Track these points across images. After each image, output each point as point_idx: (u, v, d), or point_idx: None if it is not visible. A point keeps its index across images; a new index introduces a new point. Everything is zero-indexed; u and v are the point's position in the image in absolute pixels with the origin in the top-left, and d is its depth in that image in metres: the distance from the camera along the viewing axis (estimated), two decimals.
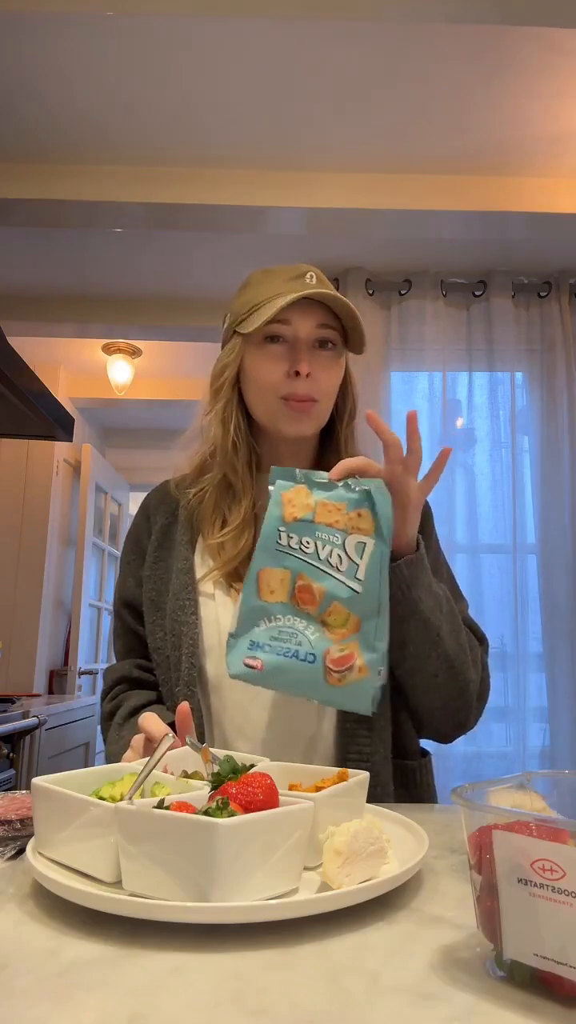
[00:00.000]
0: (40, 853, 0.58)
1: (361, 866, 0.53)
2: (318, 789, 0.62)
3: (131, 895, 0.50)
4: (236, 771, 0.61)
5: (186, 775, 0.67)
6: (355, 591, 0.81)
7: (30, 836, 0.61)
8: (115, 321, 3.21)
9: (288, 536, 0.83)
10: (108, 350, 3.62)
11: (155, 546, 1.06)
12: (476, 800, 0.44)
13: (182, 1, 1.87)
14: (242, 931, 0.47)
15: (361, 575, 0.81)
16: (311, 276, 0.99)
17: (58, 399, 2.84)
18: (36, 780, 0.60)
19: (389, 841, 0.58)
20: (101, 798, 0.58)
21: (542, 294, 2.97)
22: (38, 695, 3.46)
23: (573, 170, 2.48)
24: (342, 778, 0.66)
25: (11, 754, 2.37)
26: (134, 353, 3.64)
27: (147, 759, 0.62)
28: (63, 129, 2.30)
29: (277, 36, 1.92)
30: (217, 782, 0.59)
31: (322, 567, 0.82)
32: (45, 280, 3.06)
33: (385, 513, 0.82)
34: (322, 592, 0.81)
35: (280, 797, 0.56)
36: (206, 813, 0.51)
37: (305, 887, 0.54)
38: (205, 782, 0.63)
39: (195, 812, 0.52)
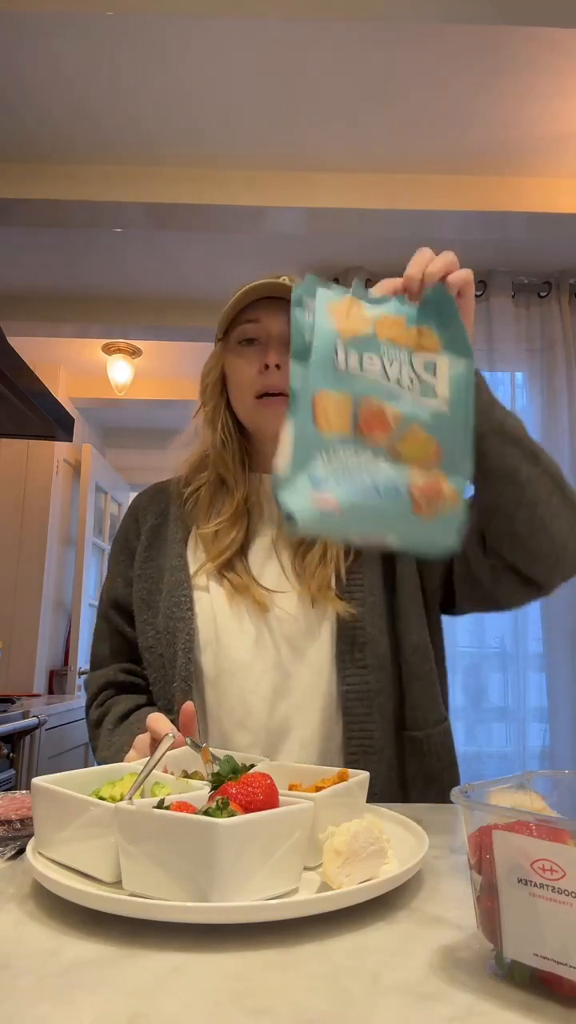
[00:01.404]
0: (40, 853, 0.58)
1: (361, 866, 0.53)
2: (318, 789, 0.62)
3: (131, 895, 0.50)
4: (236, 771, 0.61)
5: (186, 775, 0.67)
6: (438, 411, 0.70)
7: (30, 836, 0.61)
8: (115, 321, 3.21)
9: (347, 353, 0.69)
10: (108, 350, 3.62)
11: (144, 546, 1.06)
12: (476, 800, 0.44)
13: (182, 1, 1.87)
14: (242, 931, 0.47)
15: (443, 392, 0.71)
16: (285, 278, 1.00)
17: (58, 399, 2.84)
18: (36, 780, 0.60)
19: (389, 841, 0.58)
20: (101, 798, 0.58)
21: (542, 294, 2.97)
22: (38, 695, 3.46)
23: (573, 170, 2.48)
24: (342, 778, 0.66)
25: (11, 754, 2.37)
26: (134, 353, 3.64)
27: (147, 759, 0.62)
28: (63, 129, 2.30)
29: (277, 36, 1.92)
30: (217, 782, 0.59)
31: (394, 388, 0.70)
32: (45, 280, 3.06)
33: (457, 322, 0.73)
34: (397, 416, 0.69)
35: (280, 797, 0.56)
36: (206, 813, 0.51)
37: (305, 887, 0.54)
38: (205, 782, 0.63)
39: (195, 812, 0.52)
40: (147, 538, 1.07)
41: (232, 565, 0.98)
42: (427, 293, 0.74)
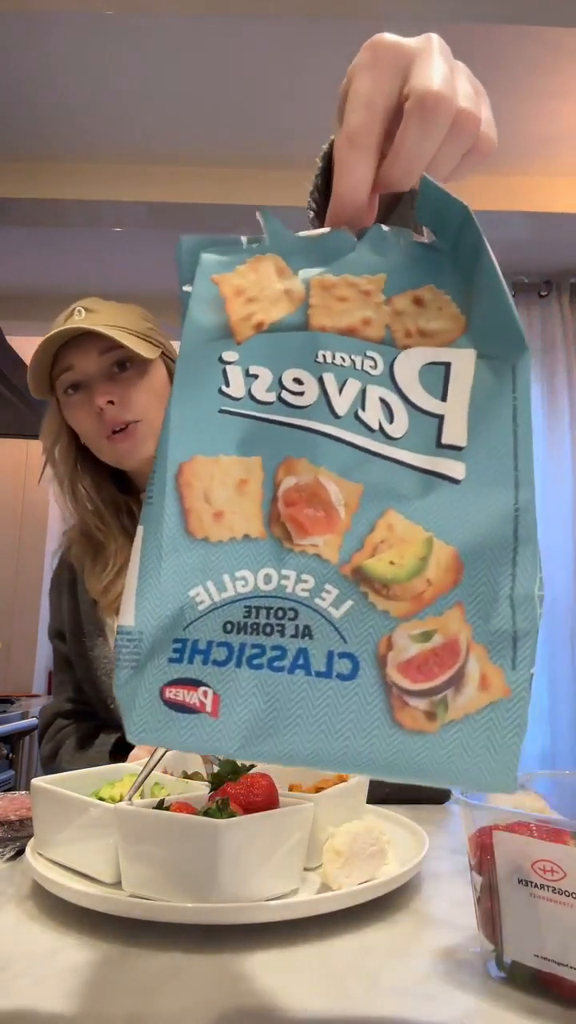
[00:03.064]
0: (40, 854, 0.58)
1: (361, 867, 0.53)
2: (318, 789, 0.62)
3: (131, 895, 0.50)
4: (236, 771, 0.61)
5: (186, 775, 0.67)
6: (445, 478, 0.34)
7: (30, 836, 0.61)
8: None
9: (245, 369, 0.36)
10: None
11: (67, 589, 1.07)
12: (476, 800, 0.44)
13: (182, 0, 1.87)
14: (242, 931, 0.47)
15: (457, 432, 0.34)
16: (79, 311, 0.96)
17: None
18: (36, 780, 0.60)
19: (389, 842, 0.57)
20: (101, 799, 0.58)
21: (542, 294, 2.97)
22: (38, 695, 3.46)
23: (573, 169, 2.48)
24: (342, 779, 0.66)
25: (11, 754, 2.37)
26: None
27: (146, 759, 0.62)
28: (63, 129, 2.29)
29: (277, 35, 1.92)
30: (217, 782, 0.59)
31: (346, 433, 0.35)
32: (45, 280, 3.06)
33: (489, 269, 0.34)
34: (353, 494, 0.34)
35: (280, 798, 0.56)
36: (206, 813, 0.51)
37: (305, 887, 0.54)
38: (205, 782, 0.63)
39: (195, 812, 0.52)
40: (68, 572, 1.07)
41: None
42: (429, 203, 0.36)
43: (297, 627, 0.33)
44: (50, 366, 0.96)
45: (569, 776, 0.53)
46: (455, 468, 0.34)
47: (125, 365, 0.96)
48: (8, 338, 2.31)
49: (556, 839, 0.39)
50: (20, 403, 2.52)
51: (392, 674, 0.32)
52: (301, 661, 0.33)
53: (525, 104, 2.15)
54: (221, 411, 0.36)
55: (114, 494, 1.03)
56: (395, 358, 0.36)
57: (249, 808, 0.53)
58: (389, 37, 0.38)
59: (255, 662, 0.33)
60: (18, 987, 0.41)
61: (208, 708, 0.33)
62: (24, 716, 2.45)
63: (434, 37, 0.38)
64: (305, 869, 0.56)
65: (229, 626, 0.33)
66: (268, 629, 0.33)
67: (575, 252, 2.84)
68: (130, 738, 0.33)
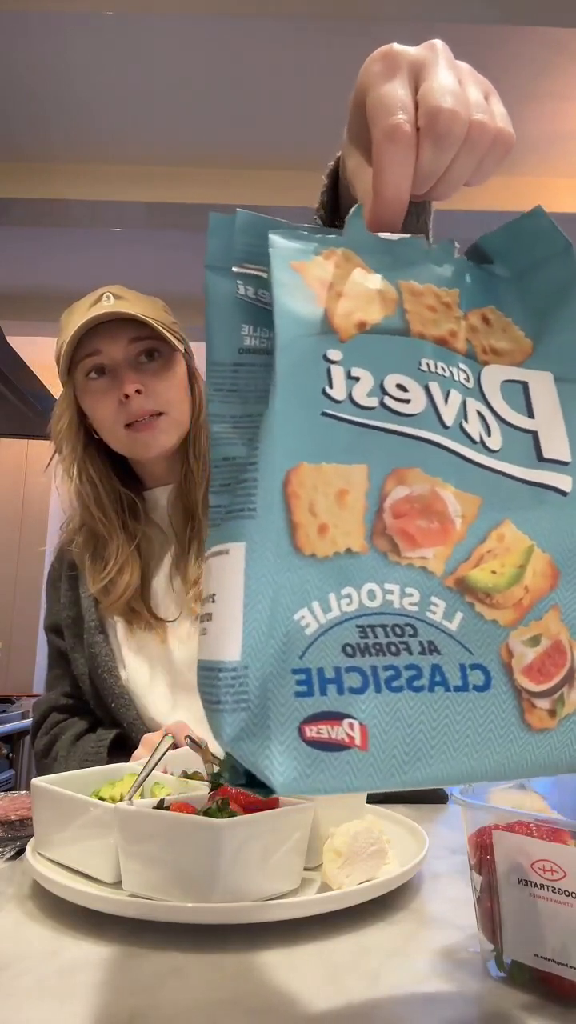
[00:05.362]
0: (40, 853, 0.58)
1: (361, 867, 0.53)
2: None
3: (131, 895, 0.50)
4: None
5: (186, 775, 0.67)
6: (554, 490, 0.35)
7: (30, 836, 0.61)
8: None
9: (344, 371, 0.34)
10: None
11: (67, 584, 1.07)
12: (476, 800, 0.44)
13: (182, 1, 1.87)
14: (242, 931, 0.47)
15: (558, 447, 0.36)
16: (107, 297, 0.95)
17: (57, 398, 2.84)
18: (36, 780, 0.60)
19: (389, 842, 0.57)
20: (101, 798, 0.58)
21: None
22: (38, 695, 3.46)
23: (573, 170, 2.48)
24: None
25: (11, 754, 2.37)
26: None
27: (146, 759, 0.62)
28: (63, 129, 2.30)
29: (278, 36, 1.92)
30: (217, 782, 0.59)
31: (455, 444, 0.35)
32: (45, 280, 3.06)
33: (566, 283, 0.37)
34: (471, 508, 0.34)
35: (280, 797, 0.56)
36: (206, 813, 0.51)
37: (305, 887, 0.54)
38: (205, 782, 0.63)
39: (195, 812, 0.52)
40: (69, 569, 1.07)
41: (132, 608, 0.97)
42: (520, 228, 0.38)
43: (422, 643, 0.32)
44: (72, 349, 0.94)
45: (569, 776, 0.54)
46: (563, 481, 0.35)
47: (152, 355, 0.96)
48: (8, 338, 2.31)
49: (556, 839, 0.39)
50: (20, 403, 2.52)
51: (520, 679, 0.33)
52: (438, 677, 0.32)
53: (526, 105, 2.15)
54: (324, 414, 0.33)
55: (117, 488, 1.02)
56: (480, 372, 0.36)
57: (249, 808, 0.53)
58: (397, 46, 0.38)
59: (394, 684, 0.31)
60: (18, 987, 0.41)
61: (358, 741, 0.30)
62: (24, 716, 2.45)
63: (438, 44, 0.39)
64: (305, 869, 0.56)
65: (349, 649, 0.31)
66: (393, 648, 0.32)
67: None
68: (279, 791, 0.29)
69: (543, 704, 0.33)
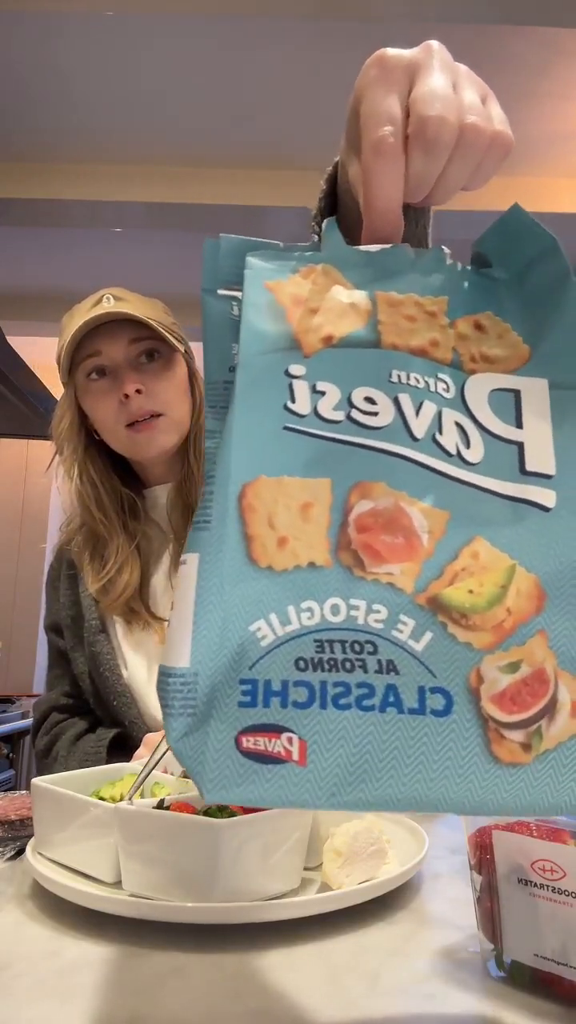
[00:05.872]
0: (40, 853, 0.58)
1: (361, 866, 0.53)
2: None
3: (131, 895, 0.50)
4: None
5: (186, 775, 0.67)
6: (534, 506, 0.33)
7: (30, 836, 0.61)
8: None
9: (309, 385, 0.34)
10: None
11: (67, 583, 1.07)
12: None
13: (182, 1, 1.87)
14: (242, 931, 0.47)
15: (541, 460, 0.34)
16: (108, 298, 0.95)
17: (58, 399, 2.85)
18: (36, 780, 0.60)
19: (389, 842, 0.57)
20: (101, 798, 0.58)
21: None
22: (38, 695, 3.46)
23: (573, 170, 2.48)
24: None
25: (11, 754, 2.37)
26: None
27: (146, 759, 0.62)
28: (63, 129, 2.30)
29: (278, 36, 1.92)
30: None
31: (425, 456, 0.34)
32: (45, 280, 3.06)
33: (568, 286, 0.35)
34: (439, 520, 0.33)
35: None
36: (206, 813, 0.51)
37: (305, 887, 0.54)
38: None
39: (195, 812, 0.52)
40: (68, 568, 1.07)
41: (132, 608, 0.97)
42: (506, 229, 0.37)
43: (380, 662, 0.31)
44: (73, 350, 0.95)
45: None
46: (545, 496, 0.33)
47: (152, 356, 0.96)
48: (8, 338, 2.31)
49: (556, 839, 0.39)
50: (20, 403, 2.52)
51: (488, 707, 0.31)
52: (392, 698, 0.30)
53: (526, 105, 2.15)
54: (286, 428, 0.33)
55: (118, 487, 1.02)
56: (464, 382, 0.35)
57: (249, 808, 0.53)
58: (392, 51, 0.38)
59: (341, 702, 0.30)
60: (18, 987, 0.41)
61: (295, 756, 0.30)
62: (24, 716, 2.46)
63: (433, 46, 0.38)
64: (305, 869, 0.56)
65: (302, 663, 0.30)
66: (348, 665, 0.31)
67: (575, 252, 2.84)
68: (207, 797, 0.29)
69: (515, 736, 0.30)
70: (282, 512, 0.32)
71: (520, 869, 0.40)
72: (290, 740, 0.30)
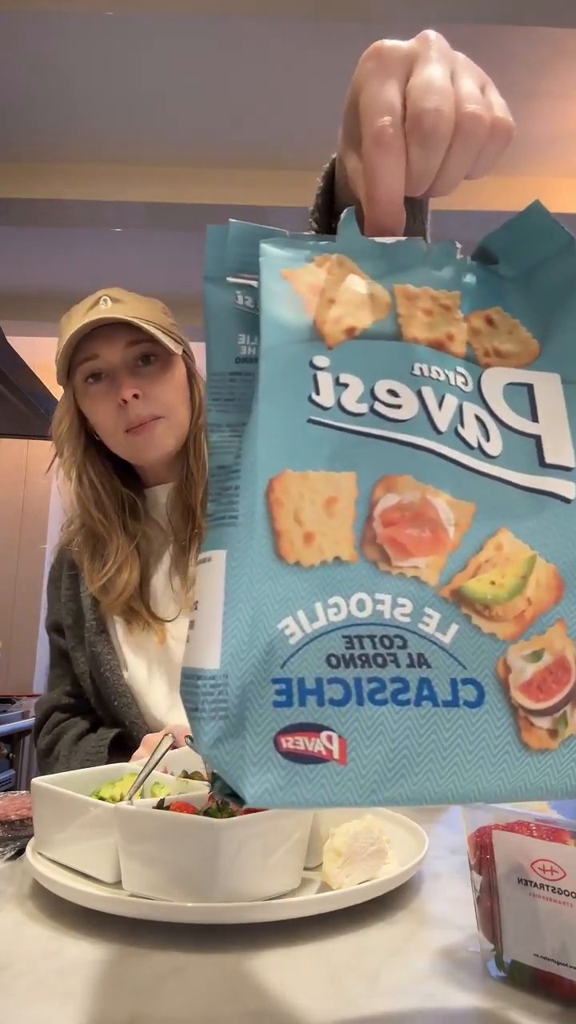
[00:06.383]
0: (40, 853, 0.58)
1: (361, 866, 0.53)
2: None
3: (131, 895, 0.50)
4: None
5: (186, 775, 0.67)
6: (556, 497, 0.34)
7: (30, 836, 0.61)
8: None
9: (332, 377, 0.33)
10: None
11: (68, 583, 1.07)
12: None
13: (182, 1, 1.87)
14: (242, 931, 0.47)
15: (562, 453, 0.34)
16: (105, 300, 0.94)
17: (58, 399, 2.85)
18: (36, 780, 0.60)
19: (389, 842, 0.57)
20: (101, 798, 0.58)
21: None
22: (38, 695, 3.46)
23: (573, 170, 2.48)
24: None
25: (11, 754, 2.37)
26: None
27: (147, 759, 0.62)
28: (62, 128, 2.30)
29: (278, 36, 1.92)
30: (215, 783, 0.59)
31: (449, 449, 0.33)
32: (45, 280, 3.06)
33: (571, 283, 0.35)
34: (465, 516, 0.33)
35: None
36: (206, 813, 0.51)
37: (305, 887, 0.54)
38: (205, 782, 0.63)
39: (195, 812, 0.52)
40: (69, 568, 1.07)
41: (132, 608, 0.97)
42: (521, 226, 0.37)
43: (411, 656, 0.31)
44: (71, 353, 0.95)
45: None
46: (566, 488, 0.34)
47: (150, 359, 0.96)
48: (8, 338, 2.31)
49: (556, 839, 0.39)
50: (20, 403, 2.52)
51: (517, 696, 0.31)
52: (426, 692, 0.30)
53: (525, 104, 2.15)
54: (310, 421, 0.32)
55: (118, 488, 1.02)
56: (480, 376, 0.35)
57: (249, 808, 0.53)
58: (388, 43, 0.38)
59: (378, 697, 0.30)
60: (18, 987, 0.41)
61: (336, 755, 0.29)
62: (24, 716, 2.46)
63: (431, 36, 0.38)
64: (305, 869, 0.56)
65: (334, 659, 0.30)
66: (380, 660, 0.30)
67: None
68: (251, 802, 0.29)
69: (543, 723, 0.31)
70: (308, 507, 0.32)
71: (520, 869, 0.40)
72: (330, 739, 0.29)
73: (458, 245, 0.37)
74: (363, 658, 0.30)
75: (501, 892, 0.41)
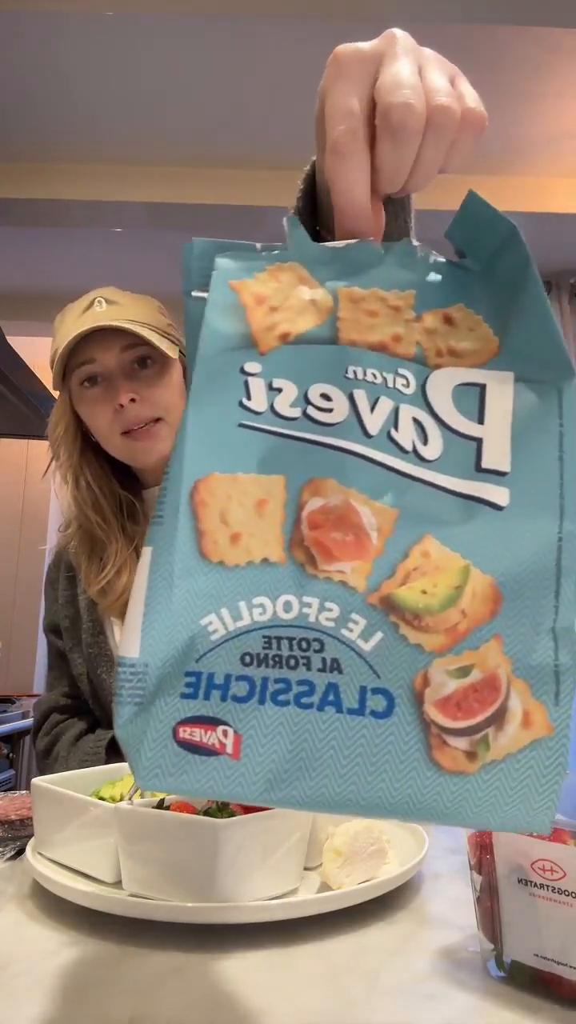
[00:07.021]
0: (40, 853, 0.58)
1: (361, 866, 0.53)
2: None
3: (131, 895, 0.50)
4: None
5: None
6: (487, 504, 0.32)
7: (30, 836, 0.61)
8: None
9: (265, 382, 0.34)
10: None
11: (65, 585, 1.07)
12: None
13: (182, 1, 1.87)
14: (242, 931, 0.47)
15: (497, 456, 0.33)
16: (100, 302, 0.94)
17: (54, 405, 2.85)
18: (36, 780, 0.60)
19: (389, 842, 0.57)
20: (101, 798, 0.58)
21: None
22: (38, 695, 3.46)
23: (572, 169, 2.48)
24: None
25: (11, 754, 2.37)
26: None
27: None
28: (64, 129, 2.30)
29: (277, 36, 1.92)
30: None
31: (378, 453, 0.33)
32: (45, 280, 3.06)
33: (532, 281, 0.33)
34: (388, 518, 0.32)
35: None
36: (206, 813, 0.51)
37: (305, 887, 0.54)
38: None
39: (195, 812, 0.52)
40: (67, 569, 1.07)
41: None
42: (468, 219, 0.35)
43: (324, 660, 0.30)
44: (66, 357, 0.94)
45: (569, 776, 0.54)
46: (498, 494, 0.32)
47: (146, 362, 0.95)
48: (8, 338, 2.31)
49: (556, 839, 0.39)
50: (20, 403, 2.52)
51: (431, 711, 0.30)
52: (331, 697, 0.30)
53: (525, 104, 2.15)
54: (241, 425, 0.33)
55: (116, 490, 1.02)
56: (427, 377, 0.34)
57: (249, 807, 0.53)
58: (349, 46, 0.37)
59: (280, 698, 0.30)
60: (18, 987, 0.41)
61: (228, 749, 0.30)
62: (24, 716, 2.46)
63: (396, 33, 0.38)
64: (305, 869, 0.56)
65: (248, 658, 0.31)
66: (292, 662, 0.31)
67: (575, 252, 2.84)
68: (140, 783, 0.30)
69: (458, 743, 0.29)
70: (236, 508, 0.32)
71: (520, 869, 0.40)
72: (225, 733, 0.30)
73: (416, 243, 0.36)
74: (276, 659, 0.31)
75: (501, 892, 0.41)
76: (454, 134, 0.36)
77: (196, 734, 0.30)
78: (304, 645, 0.31)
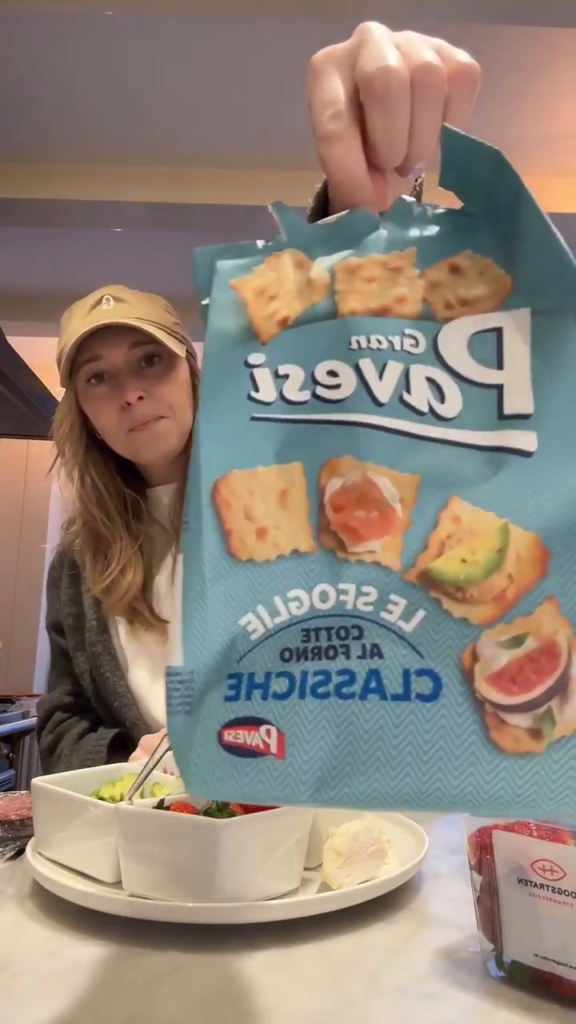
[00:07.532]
0: (40, 853, 0.58)
1: (361, 866, 0.53)
2: None
3: (131, 895, 0.50)
4: None
5: None
6: (515, 452, 0.29)
7: (30, 836, 0.61)
8: None
9: (271, 371, 0.33)
10: None
11: (68, 583, 1.07)
12: None
13: (182, 1, 1.87)
14: (242, 931, 0.47)
15: (522, 400, 0.30)
16: (107, 300, 0.93)
17: (58, 399, 2.85)
18: (36, 780, 0.60)
19: (389, 842, 0.57)
20: (101, 798, 0.58)
21: None
22: (38, 695, 3.46)
23: (570, 169, 2.48)
24: None
25: (11, 754, 2.37)
26: None
27: (146, 759, 0.62)
28: (64, 129, 2.30)
29: (278, 36, 1.92)
30: None
31: (391, 420, 0.31)
32: (45, 280, 3.06)
33: (536, 215, 0.31)
34: (409, 488, 0.30)
35: None
36: (206, 813, 0.51)
37: (305, 887, 0.54)
38: None
39: (195, 812, 0.52)
40: (70, 568, 1.07)
41: (135, 609, 0.97)
42: (454, 159, 0.34)
43: (364, 647, 0.28)
44: (73, 354, 0.94)
45: None
46: (525, 439, 0.29)
47: (153, 360, 0.95)
48: (8, 338, 2.31)
49: (556, 839, 0.39)
50: (20, 403, 2.52)
51: (483, 688, 0.27)
52: (373, 684, 0.28)
53: (524, 104, 2.15)
54: (253, 418, 0.32)
55: (121, 488, 1.02)
56: (438, 333, 0.32)
57: (249, 808, 0.53)
58: (323, 51, 0.37)
59: (320, 690, 0.28)
60: (18, 987, 0.41)
61: (273, 749, 0.28)
62: (24, 716, 2.46)
63: (368, 24, 0.37)
64: (305, 869, 0.56)
65: (287, 653, 0.29)
66: (331, 652, 0.29)
67: (573, 251, 2.84)
68: (190, 792, 0.29)
69: (519, 721, 0.26)
70: (259, 503, 0.31)
71: (520, 869, 0.40)
72: (268, 732, 0.28)
73: (410, 200, 0.34)
74: (316, 651, 0.29)
75: (501, 892, 0.41)
76: (444, 90, 0.35)
77: (240, 736, 0.29)
78: (343, 633, 0.29)
